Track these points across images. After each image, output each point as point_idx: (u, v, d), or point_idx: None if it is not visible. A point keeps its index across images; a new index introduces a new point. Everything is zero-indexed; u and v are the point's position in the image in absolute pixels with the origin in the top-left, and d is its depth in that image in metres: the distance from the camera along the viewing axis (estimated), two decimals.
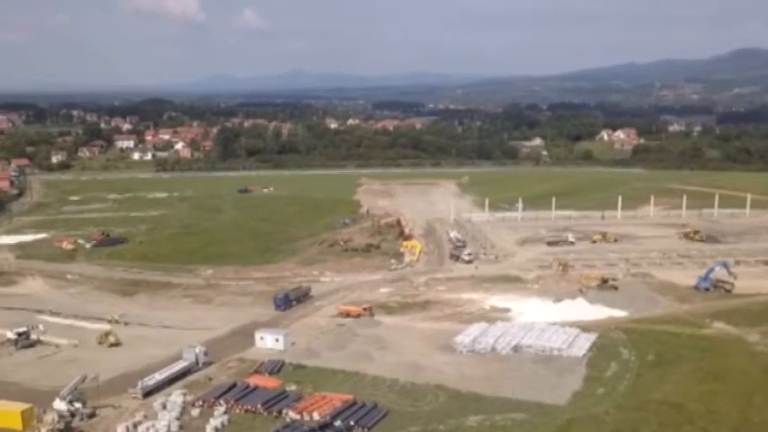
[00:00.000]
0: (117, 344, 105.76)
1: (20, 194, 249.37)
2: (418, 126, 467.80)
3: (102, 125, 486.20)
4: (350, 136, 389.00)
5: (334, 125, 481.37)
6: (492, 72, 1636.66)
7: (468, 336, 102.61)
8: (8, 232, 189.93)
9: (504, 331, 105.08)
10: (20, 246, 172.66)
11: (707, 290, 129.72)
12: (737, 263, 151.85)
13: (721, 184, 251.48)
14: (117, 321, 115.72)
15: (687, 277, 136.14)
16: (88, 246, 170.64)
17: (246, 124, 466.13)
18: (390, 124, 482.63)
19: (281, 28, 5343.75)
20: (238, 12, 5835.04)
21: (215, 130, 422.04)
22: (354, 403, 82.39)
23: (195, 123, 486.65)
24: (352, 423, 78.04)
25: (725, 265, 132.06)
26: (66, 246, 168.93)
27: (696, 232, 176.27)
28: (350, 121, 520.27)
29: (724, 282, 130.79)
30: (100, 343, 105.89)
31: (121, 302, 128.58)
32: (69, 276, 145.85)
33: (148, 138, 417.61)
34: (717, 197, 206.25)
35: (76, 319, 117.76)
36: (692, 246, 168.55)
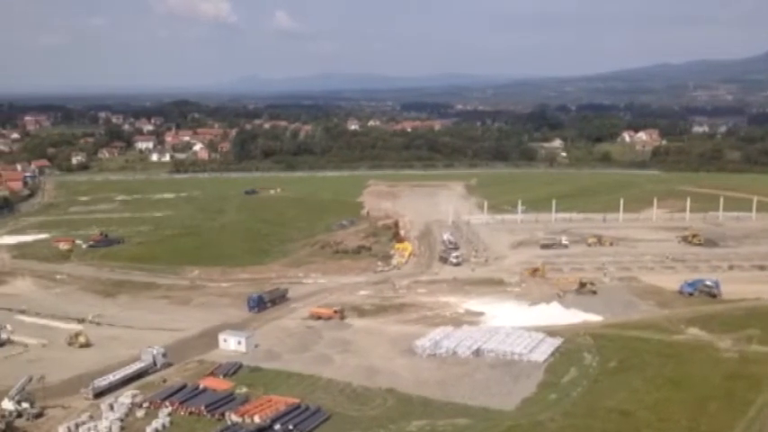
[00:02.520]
0: (87, 344, 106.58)
1: (31, 195, 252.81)
2: (437, 127, 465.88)
3: (127, 126, 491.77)
4: (365, 137, 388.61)
5: (354, 126, 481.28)
6: (524, 73, 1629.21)
7: (429, 339, 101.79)
8: (11, 232, 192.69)
9: (467, 335, 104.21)
10: (18, 246, 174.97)
11: (690, 294, 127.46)
12: (731, 267, 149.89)
13: (734, 187, 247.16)
14: (91, 322, 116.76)
15: (676, 282, 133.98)
16: (85, 246, 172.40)
17: (268, 126, 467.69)
18: (409, 125, 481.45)
19: (312, 30, 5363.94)
20: (270, 14, 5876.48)
21: (234, 131, 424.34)
22: (298, 407, 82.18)
23: (216, 125, 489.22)
24: (290, 427, 77.92)
25: (716, 284, 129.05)
26: (63, 246, 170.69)
27: (695, 236, 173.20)
28: (370, 123, 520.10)
29: (709, 287, 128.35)
30: (70, 344, 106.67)
31: (102, 303, 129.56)
32: (58, 277, 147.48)
33: (168, 139, 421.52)
34: (722, 200, 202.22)
35: (53, 319, 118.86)
36: (689, 250, 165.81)
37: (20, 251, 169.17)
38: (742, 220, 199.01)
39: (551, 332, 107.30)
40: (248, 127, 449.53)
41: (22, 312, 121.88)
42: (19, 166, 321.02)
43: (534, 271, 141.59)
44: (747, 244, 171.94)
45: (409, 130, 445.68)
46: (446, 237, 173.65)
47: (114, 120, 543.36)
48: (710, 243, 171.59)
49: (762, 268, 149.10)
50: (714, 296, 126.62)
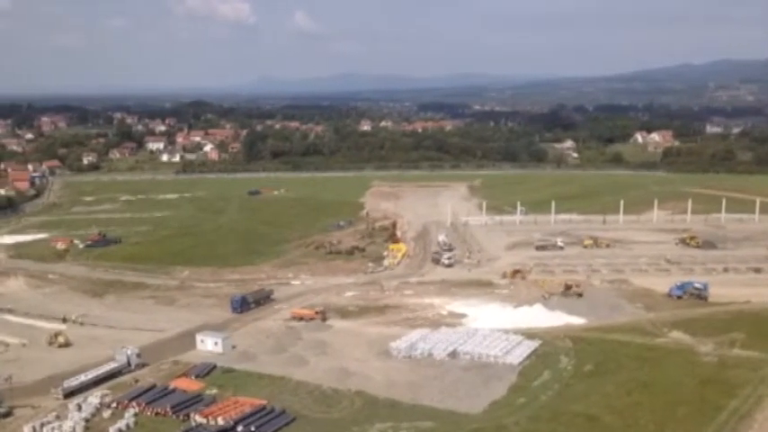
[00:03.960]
0: (66, 344, 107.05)
1: (37, 195, 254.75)
2: (448, 128, 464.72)
3: (140, 127, 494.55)
4: (373, 138, 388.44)
5: (366, 127, 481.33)
6: (543, 73, 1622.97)
7: (405, 341, 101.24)
8: (11, 232, 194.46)
9: (444, 337, 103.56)
10: (16, 245, 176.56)
11: (679, 297, 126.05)
12: (726, 270, 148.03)
13: (741, 188, 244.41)
14: (74, 322, 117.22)
15: (668, 284, 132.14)
16: (81, 246, 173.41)
17: (278, 127, 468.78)
18: (420, 126, 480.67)
19: (332, 30, 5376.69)
20: (289, 14, 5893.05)
21: (245, 132, 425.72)
22: (264, 409, 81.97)
23: (228, 126, 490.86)
24: (253, 429, 77.75)
25: (704, 287, 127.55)
26: (60, 246, 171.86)
27: (692, 238, 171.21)
28: (382, 123, 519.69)
29: (699, 290, 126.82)
30: (50, 343, 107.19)
31: (89, 303, 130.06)
32: (50, 276, 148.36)
33: (179, 140, 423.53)
34: (724, 201, 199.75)
35: (37, 318, 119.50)
36: (686, 252, 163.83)
37: (17, 251, 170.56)
38: (744, 222, 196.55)
39: (532, 335, 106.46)
40: (259, 128, 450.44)
41: (9, 312, 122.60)
42: (30, 166, 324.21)
43: (515, 272, 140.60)
44: (746, 246, 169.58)
45: (420, 130, 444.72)
46: (441, 238, 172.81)
47: (129, 120, 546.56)
48: (709, 245, 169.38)
49: (757, 271, 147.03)
50: (704, 299, 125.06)
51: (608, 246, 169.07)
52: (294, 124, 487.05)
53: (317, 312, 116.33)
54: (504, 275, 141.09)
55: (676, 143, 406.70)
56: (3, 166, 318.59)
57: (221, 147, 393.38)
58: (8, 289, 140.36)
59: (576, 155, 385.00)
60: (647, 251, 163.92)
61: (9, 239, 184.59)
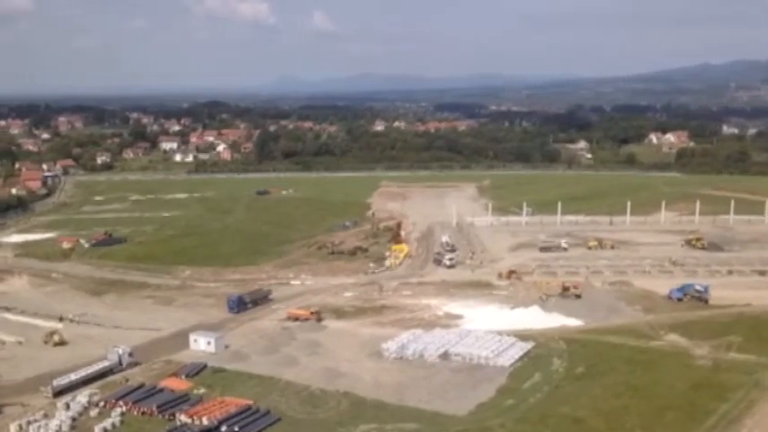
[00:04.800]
0: (62, 343, 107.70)
1: (48, 194, 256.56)
2: (462, 128, 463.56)
3: (155, 127, 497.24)
4: (385, 138, 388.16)
5: (380, 127, 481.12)
6: (561, 73, 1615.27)
7: (397, 342, 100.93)
8: (20, 231, 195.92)
9: (436, 338, 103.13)
10: (23, 244, 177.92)
11: (680, 300, 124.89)
12: (730, 272, 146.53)
13: (753, 190, 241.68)
14: (71, 320, 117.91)
15: (669, 286, 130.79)
16: (87, 245, 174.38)
17: (291, 126, 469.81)
18: (433, 126, 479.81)
19: (350, 30, 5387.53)
20: (308, 15, 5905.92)
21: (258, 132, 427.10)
22: (249, 409, 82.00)
23: (242, 126, 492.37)
24: (236, 429, 77.79)
25: (705, 289, 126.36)
26: (66, 245, 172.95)
27: (698, 239, 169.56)
28: (396, 124, 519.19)
29: (699, 292, 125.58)
30: (45, 342, 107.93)
31: (88, 302, 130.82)
32: (53, 275, 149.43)
33: (193, 140, 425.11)
34: (732, 203, 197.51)
35: (36, 317, 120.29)
36: (691, 253, 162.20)
37: (24, 249, 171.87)
38: (753, 223, 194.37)
39: (526, 336, 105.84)
40: (272, 128, 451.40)
41: (7, 310, 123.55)
42: (45, 166, 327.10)
43: (511, 273, 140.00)
44: (753, 248, 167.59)
45: (433, 131, 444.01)
46: (444, 239, 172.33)
47: (145, 120, 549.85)
48: (715, 247, 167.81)
49: (762, 273, 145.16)
50: (705, 301, 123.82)
51: (612, 247, 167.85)
52: (308, 124, 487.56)
53: (312, 313, 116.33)
54: (499, 276, 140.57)
55: (691, 144, 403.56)
56: (18, 165, 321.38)
57: (234, 147, 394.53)
58: (11, 287, 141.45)
59: (589, 155, 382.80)
60: (652, 253, 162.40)
61: (17, 238, 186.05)
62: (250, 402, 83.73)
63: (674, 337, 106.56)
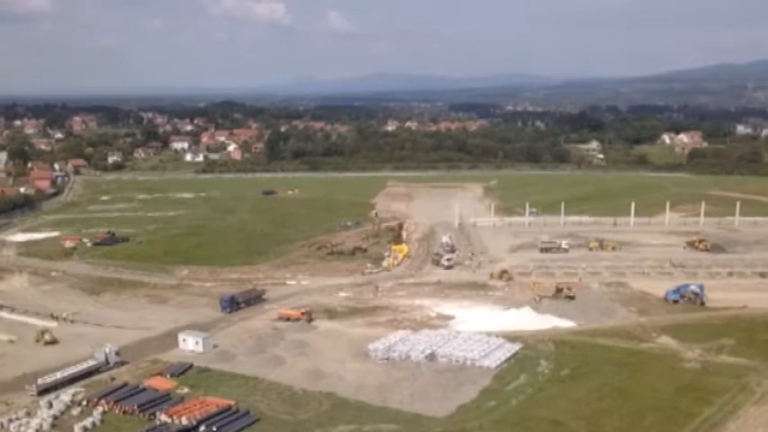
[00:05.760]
0: (53, 341, 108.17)
1: (56, 194, 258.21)
2: (473, 128, 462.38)
3: (169, 127, 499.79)
4: (394, 138, 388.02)
5: (392, 128, 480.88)
6: (579, 73, 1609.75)
7: (383, 343, 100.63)
8: (25, 230, 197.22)
9: (424, 339, 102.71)
10: (27, 243, 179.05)
11: (675, 302, 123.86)
12: (730, 274, 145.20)
13: (763, 191, 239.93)
14: (65, 319, 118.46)
15: (667, 288, 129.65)
16: (89, 244, 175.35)
17: (302, 127, 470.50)
18: (445, 126, 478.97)
19: (366, 30, 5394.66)
20: (324, 15, 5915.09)
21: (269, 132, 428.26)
22: (229, 409, 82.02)
23: (254, 126, 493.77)
24: (214, 429, 77.82)
25: (700, 288, 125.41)
26: (69, 244, 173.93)
27: (701, 241, 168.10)
28: (407, 124, 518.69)
29: (696, 293, 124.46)
30: (37, 340, 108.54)
31: (84, 300, 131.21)
32: (53, 274, 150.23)
33: (204, 139, 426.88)
34: (738, 204, 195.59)
35: (30, 315, 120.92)
36: (693, 255, 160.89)
37: (27, 248, 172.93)
38: (759, 225, 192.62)
39: (516, 338, 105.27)
40: (283, 128, 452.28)
41: (1, 308, 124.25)
42: (57, 166, 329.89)
43: (502, 273, 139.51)
44: (756, 250, 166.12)
45: (444, 131, 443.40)
46: (445, 239, 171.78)
47: (159, 120, 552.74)
48: (717, 249, 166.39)
49: (763, 275, 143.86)
50: (701, 303, 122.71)
51: (614, 248, 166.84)
52: (319, 124, 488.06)
53: (302, 313, 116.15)
54: (491, 276, 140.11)
55: (705, 144, 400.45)
56: (30, 165, 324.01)
57: (245, 147, 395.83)
58: (10, 286, 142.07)
59: (601, 156, 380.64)
60: (653, 254, 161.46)
61: (21, 237, 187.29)
62: (231, 402, 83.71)
63: (665, 340, 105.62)
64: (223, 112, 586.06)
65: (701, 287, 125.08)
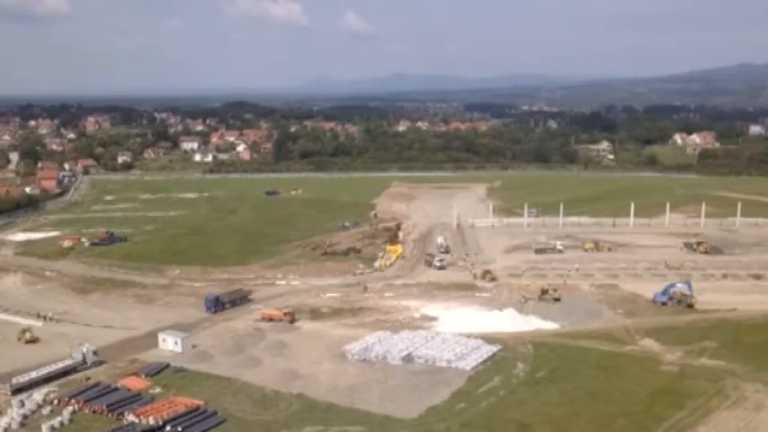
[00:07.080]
0: (33, 340, 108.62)
1: (61, 194, 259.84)
2: (483, 128, 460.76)
3: (180, 127, 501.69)
4: (402, 139, 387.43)
5: (403, 128, 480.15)
6: (598, 74, 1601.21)
7: (360, 344, 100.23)
8: (25, 230, 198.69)
9: (402, 341, 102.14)
10: (26, 243, 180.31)
11: (663, 304, 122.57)
12: (724, 276, 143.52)
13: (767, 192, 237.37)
14: (51, 318, 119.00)
15: (656, 290, 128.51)
16: (87, 244, 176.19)
17: (311, 127, 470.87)
18: (455, 126, 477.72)
19: (383, 31, 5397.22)
20: (341, 15, 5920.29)
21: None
22: (197, 409, 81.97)
23: (265, 126, 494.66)
24: (179, 429, 77.77)
25: (688, 285, 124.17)
26: (67, 244, 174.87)
27: (700, 243, 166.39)
28: (418, 124, 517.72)
29: (685, 296, 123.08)
30: (18, 339, 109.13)
31: (73, 300, 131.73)
32: (47, 273, 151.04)
33: (213, 140, 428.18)
34: (740, 205, 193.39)
35: (16, 314, 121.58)
36: (690, 257, 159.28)
37: (25, 248, 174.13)
38: (760, 226, 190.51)
39: (497, 339, 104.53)
40: (293, 128, 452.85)
41: None
42: (66, 165, 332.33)
43: (485, 273, 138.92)
44: (755, 252, 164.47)
45: (453, 131, 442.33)
46: (440, 240, 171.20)
47: (172, 120, 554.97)
48: (716, 250, 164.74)
49: (758, 277, 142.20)
50: (690, 305, 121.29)
51: (609, 249, 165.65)
52: (330, 125, 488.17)
53: (285, 314, 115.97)
54: (474, 276, 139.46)
55: (717, 145, 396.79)
56: (40, 165, 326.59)
57: (254, 147, 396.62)
58: (3, 285, 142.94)
59: (611, 156, 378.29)
60: (650, 256, 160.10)
61: (21, 237, 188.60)
62: (200, 403, 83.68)
63: (647, 342, 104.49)
64: (234, 113, 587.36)
65: (689, 284, 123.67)
